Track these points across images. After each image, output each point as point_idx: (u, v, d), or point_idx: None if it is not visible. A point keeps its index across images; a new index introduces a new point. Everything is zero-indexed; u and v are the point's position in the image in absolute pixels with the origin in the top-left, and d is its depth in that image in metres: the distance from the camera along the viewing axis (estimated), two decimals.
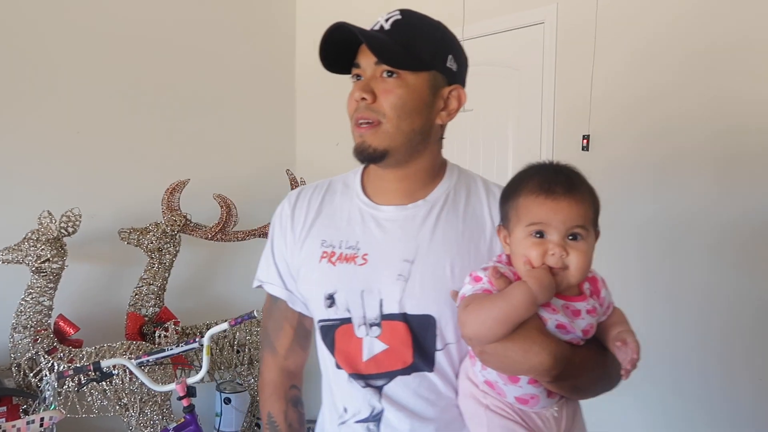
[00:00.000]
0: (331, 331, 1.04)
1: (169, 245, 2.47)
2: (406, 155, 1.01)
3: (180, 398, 1.92)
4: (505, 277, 0.90)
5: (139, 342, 2.28)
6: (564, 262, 0.88)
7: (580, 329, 0.92)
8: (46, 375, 2.07)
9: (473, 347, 0.92)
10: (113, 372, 2.03)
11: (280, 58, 3.36)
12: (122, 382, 2.13)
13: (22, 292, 2.12)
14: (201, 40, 2.96)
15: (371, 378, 1.01)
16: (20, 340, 2.09)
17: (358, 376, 1.02)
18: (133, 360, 1.92)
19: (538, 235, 0.90)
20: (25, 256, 2.06)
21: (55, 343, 2.14)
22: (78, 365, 1.99)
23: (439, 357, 0.99)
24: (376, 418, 1.01)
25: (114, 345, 2.20)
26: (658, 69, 2.22)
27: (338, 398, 1.06)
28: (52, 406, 1.90)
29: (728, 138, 2.06)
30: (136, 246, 2.43)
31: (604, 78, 2.33)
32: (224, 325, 1.97)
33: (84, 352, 2.15)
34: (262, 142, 3.25)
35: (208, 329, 2.05)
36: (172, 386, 1.92)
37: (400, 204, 1.04)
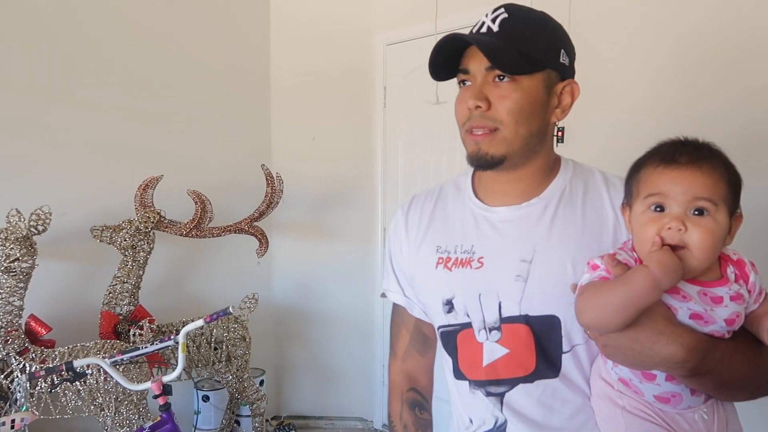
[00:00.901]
0: (452, 336, 1.03)
1: (143, 242, 2.43)
2: (523, 158, 0.98)
3: (156, 397, 1.90)
4: (623, 263, 0.83)
5: (113, 341, 2.25)
6: (682, 239, 0.78)
7: (722, 318, 0.81)
8: (17, 376, 2.03)
9: (595, 340, 0.87)
10: (87, 372, 2.00)
11: (255, 52, 3.31)
12: (97, 381, 2.10)
13: None
14: (175, 34, 2.92)
15: (491, 385, 0.98)
16: None
17: (479, 383, 1.00)
18: (107, 359, 1.89)
19: (657, 209, 0.81)
20: None
21: (26, 344, 2.09)
22: (50, 365, 1.96)
23: (566, 360, 0.95)
24: (500, 429, 0.98)
25: (87, 344, 2.16)
26: (630, 61, 2.24)
27: (462, 408, 1.05)
28: (24, 408, 1.87)
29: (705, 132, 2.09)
30: (109, 244, 2.39)
31: (578, 70, 2.35)
32: (199, 322, 1.94)
33: (57, 353, 2.11)
34: (237, 138, 3.21)
35: (184, 326, 2.03)
36: (147, 385, 1.89)
37: (513, 204, 1.01)
